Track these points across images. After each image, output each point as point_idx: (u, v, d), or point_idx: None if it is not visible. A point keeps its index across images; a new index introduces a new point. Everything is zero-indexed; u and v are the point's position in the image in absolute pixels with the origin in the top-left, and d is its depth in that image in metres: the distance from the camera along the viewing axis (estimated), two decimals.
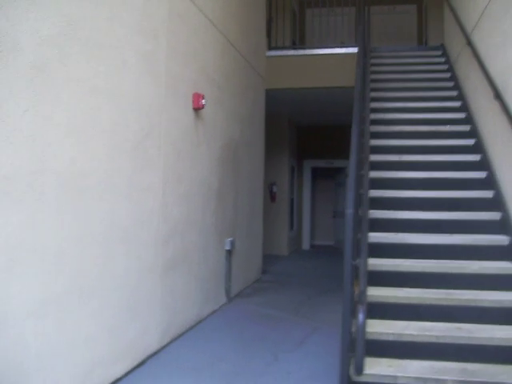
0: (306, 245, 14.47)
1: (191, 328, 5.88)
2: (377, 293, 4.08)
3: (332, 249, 14.64)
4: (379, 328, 3.80)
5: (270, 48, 9.90)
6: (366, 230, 3.84)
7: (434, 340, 3.71)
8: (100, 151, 3.94)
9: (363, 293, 3.30)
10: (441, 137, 6.23)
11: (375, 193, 5.27)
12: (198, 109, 5.85)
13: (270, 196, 12.75)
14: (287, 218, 13.03)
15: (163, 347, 5.13)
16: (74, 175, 3.61)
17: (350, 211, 3.31)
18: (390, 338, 3.72)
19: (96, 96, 3.88)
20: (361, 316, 3.18)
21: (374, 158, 5.71)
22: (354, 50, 9.18)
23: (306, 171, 14.55)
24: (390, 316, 3.98)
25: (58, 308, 3.44)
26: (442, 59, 8.48)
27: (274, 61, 9.76)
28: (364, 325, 3.19)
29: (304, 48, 10.10)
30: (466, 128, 6.37)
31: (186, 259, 5.73)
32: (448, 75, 7.83)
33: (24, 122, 3.07)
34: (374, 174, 5.45)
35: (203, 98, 5.85)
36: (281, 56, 9.81)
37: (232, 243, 7.26)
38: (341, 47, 9.66)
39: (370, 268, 4.10)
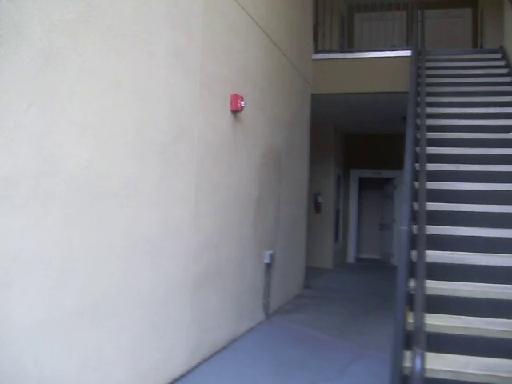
0: (351, 258, 13.86)
1: (224, 347, 5.43)
2: (431, 321, 3.53)
3: (378, 262, 13.99)
4: (435, 364, 3.25)
5: (317, 51, 9.40)
6: (422, 249, 3.26)
7: (497, 381, 3.16)
8: (122, 153, 3.54)
9: (420, 329, 2.74)
10: (503, 145, 5.63)
11: (429, 206, 4.72)
12: (236, 111, 5.43)
13: (315, 206, 12.23)
14: (332, 230, 12.48)
15: (191, 370, 4.68)
16: (90, 179, 3.22)
17: (405, 228, 2.81)
18: (448, 377, 3.18)
19: (118, 91, 3.48)
20: (418, 362, 2.57)
21: (429, 167, 5.16)
22: (406, 53, 8.68)
23: (352, 181, 13.96)
24: (446, 349, 3.43)
25: (65, 328, 3.03)
26: (502, 62, 7.87)
27: (321, 64, 9.26)
28: (422, 372, 2.60)
29: (352, 51, 9.55)
30: None
31: (221, 273, 5.29)
32: (509, 79, 7.21)
33: (28, 117, 2.67)
34: (428, 185, 4.91)
35: (242, 100, 5.42)
36: (328, 59, 9.31)
37: (272, 256, 6.80)
38: (391, 50, 9.10)
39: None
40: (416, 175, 3.95)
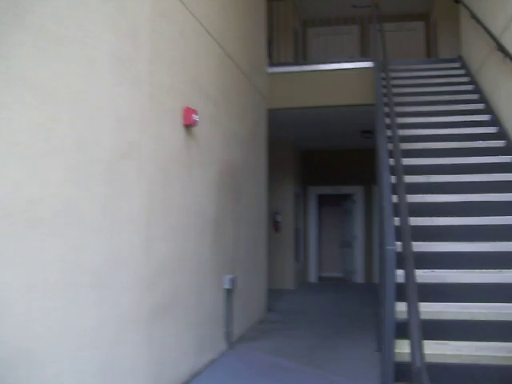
0: (312, 277, 13.50)
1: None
2: (404, 350, 3.14)
3: (341, 281, 13.68)
4: None
5: (272, 65, 9.08)
6: (411, 269, 2.84)
7: None
8: (58, 173, 3.07)
9: (420, 370, 2.31)
10: (473, 154, 5.36)
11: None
12: (189, 126, 5.01)
13: (274, 225, 11.85)
14: (292, 249, 12.11)
15: None
16: (19, 204, 2.74)
17: (391, 248, 2.42)
18: None
19: (53, 102, 3.02)
20: None
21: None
22: (365, 64, 8.50)
23: (311, 198, 13.65)
24: (438, 381, 3.04)
25: None
26: (462, 71, 7.68)
27: (277, 78, 8.94)
28: None
29: (308, 63, 9.27)
30: (499, 143, 5.51)
31: (178, 303, 4.82)
32: (470, 87, 7.02)
33: None
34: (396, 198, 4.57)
35: (196, 114, 5.02)
36: (283, 73, 8.99)
37: (232, 281, 6.35)
38: (349, 62, 8.85)
39: (400, 316, 3.17)
40: (393, 189, 3.59)
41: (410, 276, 2.57)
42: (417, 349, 2.27)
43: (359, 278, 13.21)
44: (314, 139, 12.13)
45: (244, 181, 7.20)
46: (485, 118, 6.12)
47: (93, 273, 3.42)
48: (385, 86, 5.62)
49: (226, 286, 6.23)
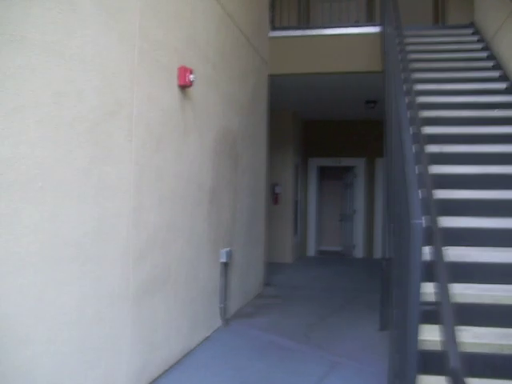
0: (311, 251, 13.18)
1: (176, 363, 4.64)
2: (433, 336, 2.80)
3: (340, 255, 13.38)
4: None
5: (274, 28, 8.63)
6: (440, 247, 2.43)
7: None
8: (32, 131, 2.70)
9: (459, 372, 1.94)
10: (489, 123, 4.99)
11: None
12: (184, 86, 4.62)
13: (273, 198, 11.50)
14: (291, 222, 11.78)
15: None
16: None
17: (418, 222, 2.07)
18: None
19: (27, 50, 2.64)
20: None
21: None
22: (371, 29, 8.04)
23: (311, 170, 13.27)
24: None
25: None
26: (475, 37, 7.26)
27: (278, 43, 8.49)
28: None
29: (312, 27, 8.78)
30: None
31: (170, 278, 4.49)
32: (485, 54, 6.61)
33: None
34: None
35: (192, 73, 4.62)
36: (286, 37, 8.53)
37: (229, 254, 6.03)
38: (355, 26, 8.40)
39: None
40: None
41: (439, 254, 2.21)
42: (452, 343, 1.93)
43: (359, 252, 12.90)
44: (316, 109, 11.71)
45: (243, 149, 6.83)
46: (501, 85, 5.74)
47: (74, 245, 3.07)
48: (400, 51, 5.20)
49: (222, 259, 5.91)
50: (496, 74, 6.04)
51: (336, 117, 12.43)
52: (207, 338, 5.46)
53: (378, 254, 12.62)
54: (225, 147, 6.02)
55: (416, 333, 2.16)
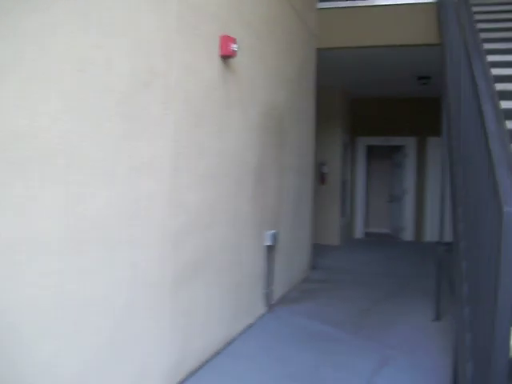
0: (359, 233, 12.74)
1: (217, 353, 4.36)
2: None
3: (388, 238, 12.90)
4: None
5: None
6: None
7: None
8: (54, 102, 2.40)
9: None
10: None
11: None
12: (227, 57, 4.27)
13: (320, 177, 11.10)
14: (339, 203, 11.36)
15: None
16: (1, 137, 2.10)
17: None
18: None
19: (43, 9, 2.33)
20: None
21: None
22: None
23: (359, 150, 12.77)
24: None
25: None
26: None
27: (327, 14, 8.01)
28: None
29: None
30: None
31: (211, 263, 4.19)
32: None
33: None
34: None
35: (235, 43, 4.27)
36: (335, 8, 8.03)
37: (274, 237, 5.70)
38: None
39: None
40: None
41: None
42: None
43: (408, 235, 12.39)
44: (365, 86, 11.18)
45: (289, 126, 6.45)
46: None
47: (102, 228, 2.79)
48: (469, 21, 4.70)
49: (268, 242, 5.59)
50: None
51: (386, 94, 11.88)
52: (251, 326, 5.17)
53: (428, 237, 12.12)
54: (270, 123, 5.66)
55: (506, 336, 1.78)
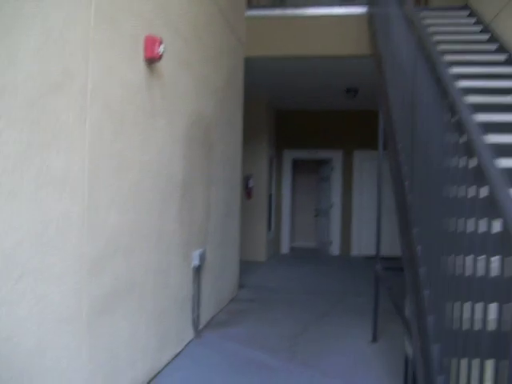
0: (285, 248, 12.48)
1: None
2: None
3: (315, 252, 12.74)
4: None
5: (251, 6, 7.89)
6: None
7: None
8: None
9: None
10: (501, 110, 4.34)
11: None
12: (152, 60, 3.85)
13: (246, 191, 10.78)
14: (265, 218, 11.07)
15: None
16: None
17: None
18: None
19: None
20: None
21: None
22: (359, 9, 7.40)
23: (285, 163, 12.53)
24: None
25: None
26: (472, 20, 6.63)
27: (255, 23, 7.73)
28: None
29: (293, 7, 8.02)
30: None
31: (134, 290, 3.74)
32: (486, 37, 5.99)
33: None
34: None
35: (161, 44, 3.86)
36: (263, 17, 7.79)
37: (202, 256, 5.29)
38: (341, 6, 7.71)
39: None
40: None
41: None
42: None
43: (335, 249, 12.26)
44: (292, 98, 10.99)
45: (217, 137, 6.08)
46: (510, 69, 5.11)
47: (6, 257, 2.30)
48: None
49: (195, 262, 5.18)
50: (501, 57, 5.40)
51: (312, 107, 11.77)
52: (178, 355, 4.73)
53: (355, 251, 12.04)
54: (198, 134, 5.27)
55: None
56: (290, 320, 6.11)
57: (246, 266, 9.04)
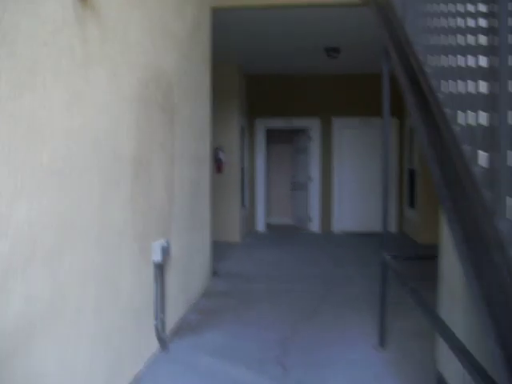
0: (260, 225, 11.45)
1: None
2: None
3: (293, 229, 11.77)
4: None
5: None
6: None
7: None
8: None
9: None
10: None
11: None
12: None
13: (216, 165, 9.69)
14: (238, 194, 10.03)
15: None
16: None
17: None
18: None
19: None
20: None
21: None
22: None
23: (258, 133, 11.43)
24: None
25: None
26: None
27: None
28: None
29: None
30: None
31: (65, 308, 2.65)
32: None
33: None
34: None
35: None
36: None
37: (164, 248, 4.21)
38: None
39: None
40: None
41: None
42: None
43: (314, 226, 11.30)
44: (265, 60, 9.84)
45: (181, 100, 4.96)
46: None
47: None
48: None
49: (156, 257, 4.10)
50: None
51: (287, 71, 10.66)
52: (138, 378, 3.68)
53: (336, 227, 11.11)
54: (156, 95, 4.16)
55: None
56: (274, 320, 5.08)
57: (220, 249, 8.01)
